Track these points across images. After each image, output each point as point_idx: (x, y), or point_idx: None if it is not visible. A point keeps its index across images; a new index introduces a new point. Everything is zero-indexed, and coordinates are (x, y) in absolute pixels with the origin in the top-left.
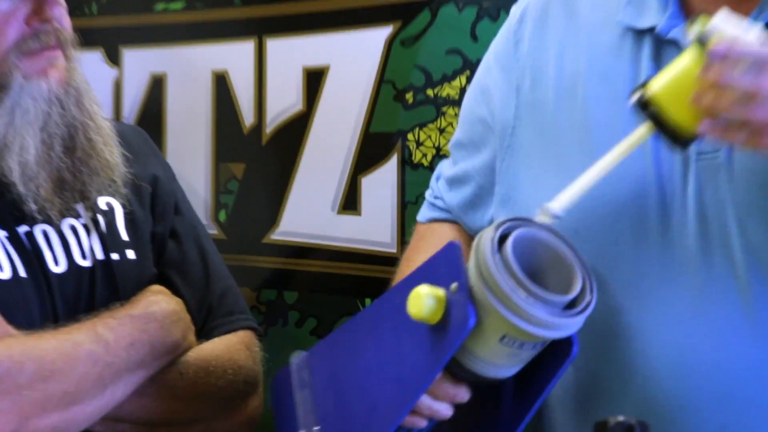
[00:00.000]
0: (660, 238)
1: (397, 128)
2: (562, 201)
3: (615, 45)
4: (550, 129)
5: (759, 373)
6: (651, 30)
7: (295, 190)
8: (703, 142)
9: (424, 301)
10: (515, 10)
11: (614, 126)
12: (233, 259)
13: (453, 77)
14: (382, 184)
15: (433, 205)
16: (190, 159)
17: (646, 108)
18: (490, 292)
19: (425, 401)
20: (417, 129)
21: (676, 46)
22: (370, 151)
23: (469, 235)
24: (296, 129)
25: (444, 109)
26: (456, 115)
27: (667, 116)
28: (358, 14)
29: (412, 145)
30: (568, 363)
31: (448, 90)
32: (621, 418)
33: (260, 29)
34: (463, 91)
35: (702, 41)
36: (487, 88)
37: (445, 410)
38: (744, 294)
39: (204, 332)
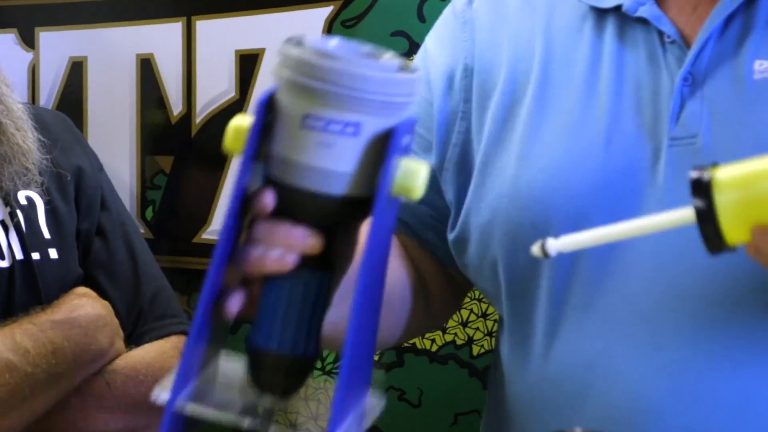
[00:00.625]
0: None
1: None
2: (563, 243)
3: (575, 25)
4: (504, 114)
5: (725, 374)
6: (615, 9)
7: (228, 184)
8: (678, 127)
9: (227, 131)
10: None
11: (572, 110)
12: (161, 260)
13: None
14: None
15: None
16: (114, 151)
17: (702, 193)
18: (280, 67)
19: (256, 252)
20: None
21: (645, 24)
22: None
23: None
24: (229, 118)
25: None
26: None
27: (720, 218)
28: None
29: None
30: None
31: None
32: (578, 430)
33: (189, 9)
34: None
35: None
36: (428, 75)
37: (278, 257)
38: (714, 291)
39: (134, 338)
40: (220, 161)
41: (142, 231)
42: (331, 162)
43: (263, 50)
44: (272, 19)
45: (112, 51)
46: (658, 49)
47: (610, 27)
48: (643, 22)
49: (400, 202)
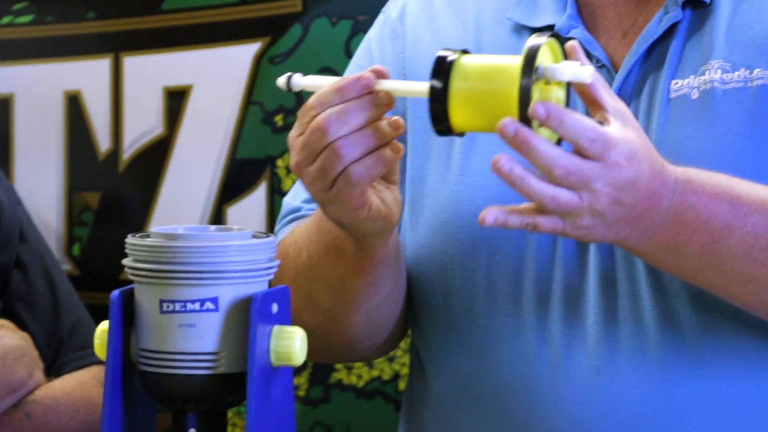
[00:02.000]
0: (564, 255)
1: (266, 154)
2: (307, 80)
3: (510, 42)
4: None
5: (667, 394)
6: (547, 28)
7: (156, 221)
8: None
9: (96, 337)
10: (393, 6)
11: None
12: (88, 296)
13: None
14: (249, 214)
15: (291, 222)
16: (41, 187)
17: (442, 73)
18: (130, 261)
19: None
20: (287, 154)
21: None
22: (237, 178)
23: None
24: (156, 154)
25: None
26: None
27: (451, 100)
28: (223, 29)
29: (281, 173)
30: None
31: None
32: None
33: (116, 46)
34: None
35: (535, 72)
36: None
37: None
38: (648, 312)
39: (54, 368)
40: (148, 197)
41: (68, 267)
42: (197, 342)
43: (191, 86)
44: (200, 56)
45: (39, 87)
46: None
47: None
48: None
49: (292, 369)
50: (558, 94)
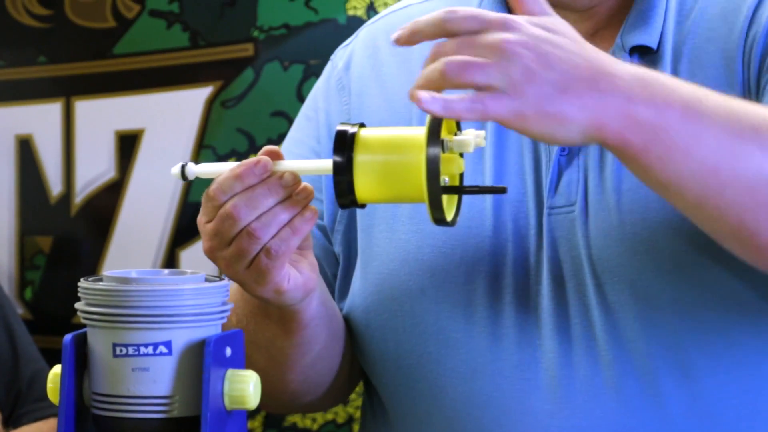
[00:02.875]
0: (515, 299)
1: None
2: (201, 168)
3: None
4: None
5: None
6: None
7: (109, 265)
8: (557, 196)
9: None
10: (340, 55)
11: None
12: (41, 340)
13: (278, 141)
14: (202, 258)
15: None
16: None
17: (344, 147)
18: (82, 304)
19: None
20: None
21: None
22: (190, 222)
23: None
24: (109, 198)
25: None
26: None
27: (356, 174)
28: (175, 73)
29: None
30: None
31: None
32: None
33: (68, 89)
34: None
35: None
36: (307, 140)
37: None
38: (604, 357)
39: (12, 420)
40: (100, 240)
41: (20, 311)
42: (151, 386)
43: (143, 130)
44: (152, 100)
45: None
46: None
47: None
48: None
49: (246, 412)
50: (458, 162)
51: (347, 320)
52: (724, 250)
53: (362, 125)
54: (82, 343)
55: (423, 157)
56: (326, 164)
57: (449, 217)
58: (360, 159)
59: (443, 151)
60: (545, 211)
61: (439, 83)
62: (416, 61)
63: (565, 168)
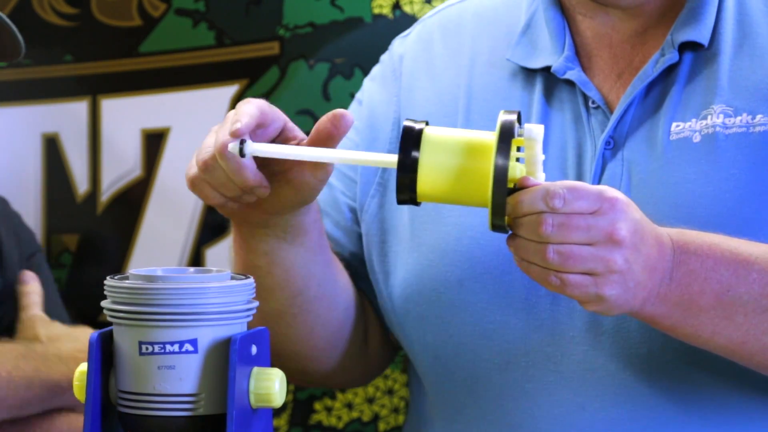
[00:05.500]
0: (550, 292)
1: None
2: (261, 147)
3: (504, 84)
4: None
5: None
6: (543, 69)
7: (134, 264)
8: None
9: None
10: (398, 45)
11: None
12: None
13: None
14: (228, 256)
15: None
16: None
17: (410, 144)
18: (109, 302)
19: None
20: None
21: (571, 86)
22: (215, 220)
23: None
24: (135, 196)
25: None
26: None
27: (420, 173)
28: (201, 72)
29: None
30: None
31: None
32: None
33: (94, 88)
34: None
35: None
36: (357, 123)
37: None
38: (636, 352)
39: None
40: (126, 239)
41: None
42: (177, 384)
43: (169, 128)
44: (178, 98)
45: (17, 130)
46: (582, 113)
47: (538, 87)
48: (569, 83)
49: (271, 410)
50: (521, 167)
51: (386, 309)
52: None
53: (427, 123)
54: (108, 341)
55: (491, 164)
56: (391, 159)
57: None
58: (426, 159)
59: (514, 137)
60: None
61: (539, 273)
62: (465, 53)
63: (609, 161)
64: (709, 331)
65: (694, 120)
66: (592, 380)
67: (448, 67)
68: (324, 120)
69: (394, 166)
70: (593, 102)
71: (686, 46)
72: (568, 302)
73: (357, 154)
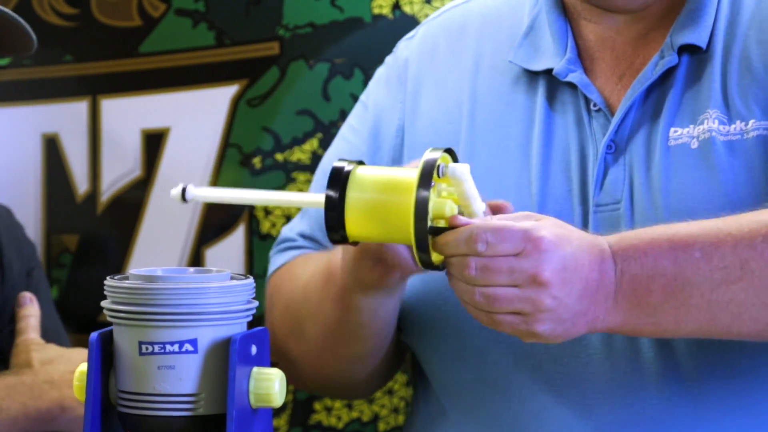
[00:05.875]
0: None
1: None
2: (201, 192)
3: (507, 87)
4: None
5: None
6: (545, 72)
7: (134, 264)
8: (602, 194)
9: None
10: (402, 48)
11: (505, 172)
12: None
13: (303, 140)
14: (228, 256)
15: (284, 251)
16: None
17: (338, 183)
18: (109, 302)
19: None
20: None
21: (573, 89)
22: (215, 220)
23: None
24: (134, 197)
25: (294, 174)
26: (308, 181)
27: (347, 210)
28: (200, 72)
29: (260, 215)
30: None
31: (299, 154)
32: None
33: (94, 88)
34: (314, 155)
35: (434, 174)
36: (360, 129)
37: None
38: (645, 354)
39: None
40: (126, 239)
41: None
42: (176, 384)
43: (169, 129)
44: (178, 98)
45: (16, 130)
46: (584, 116)
47: (541, 89)
48: (571, 86)
49: (271, 410)
50: (451, 204)
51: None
52: None
53: (361, 162)
54: (108, 341)
55: (412, 198)
56: (318, 198)
57: (437, 261)
58: (351, 196)
59: (438, 176)
60: (591, 209)
61: (473, 311)
62: (469, 57)
63: (611, 165)
64: (672, 322)
65: (691, 126)
66: (599, 382)
67: (452, 71)
68: None
69: (322, 206)
70: (595, 105)
71: (685, 49)
72: None
73: (286, 195)
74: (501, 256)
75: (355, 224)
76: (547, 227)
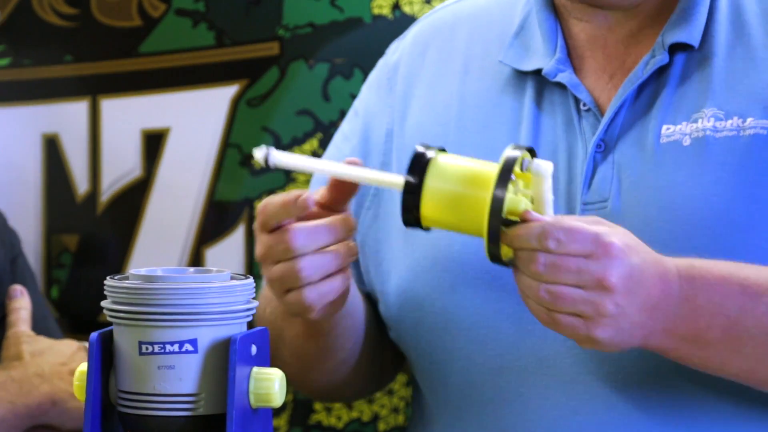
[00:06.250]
0: None
1: (244, 196)
2: (284, 158)
3: (495, 88)
4: None
5: None
6: (534, 72)
7: (134, 263)
8: (590, 192)
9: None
10: (393, 50)
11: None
12: (68, 338)
13: (303, 140)
14: (228, 256)
15: None
16: (19, 230)
17: (418, 168)
18: (109, 303)
19: None
20: (265, 196)
21: (562, 89)
22: (215, 220)
23: None
24: (135, 197)
25: (294, 175)
26: (307, 181)
27: (424, 196)
28: (200, 72)
29: None
30: None
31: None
32: None
33: (94, 88)
34: (314, 155)
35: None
36: (350, 137)
37: None
38: (629, 355)
39: None
40: (126, 239)
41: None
42: (176, 384)
43: (169, 129)
44: (178, 98)
45: (17, 130)
46: (574, 116)
47: (529, 90)
48: (560, 86)
49: (271, 410)
50: (526, 202)
51: (383, 315)
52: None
53: (443, 150)
54: (108, 341)
55: (489, 194)
56: (397, 180)
57: (506, 256)
58: (430, 184)
59: (521, 170)
60: (578, 207)
61: (534, 308)
62: (458, 59)
63: (600, 164)
64: (717, 362)
65: (684, 123)
66: (585, 384)
67: (441, 72)
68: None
69: (401, 188)
70: (584, 104)
71: (677, 48)
72: None
73: (367, 172)
74: (570, 256)
75: (430, 211)
76: (618, 235)
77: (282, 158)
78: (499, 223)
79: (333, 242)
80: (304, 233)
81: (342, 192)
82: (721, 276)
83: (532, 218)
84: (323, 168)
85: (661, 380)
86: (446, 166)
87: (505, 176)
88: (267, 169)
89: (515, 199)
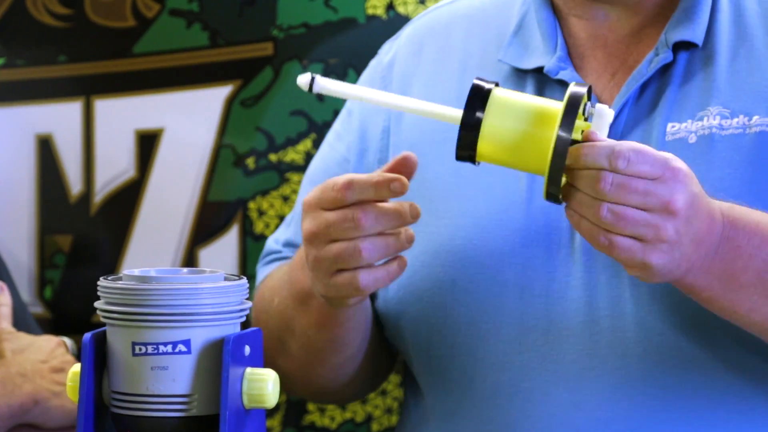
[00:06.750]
0: (545, 291)
1: (238, 196)
2: (329, 84)
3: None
4: (419, 172)
5: (647, 430)
6: (535, 70)
7: (128, 264)
8: None
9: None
10: (386, 50)
11: (492, 170)
12: None
13: (297, 141)
14: (221, 256)
15: (270, 263)
16: (12, 231)
17: (477, 102)
18: (102, 303)
19: None
20: (259, 197)
21: (563, 87)
22: (209, 221)
23: None
24: (128, 197)
25: (288, 175)
26: (301, 181)
27: (482, 134)
28: (194, 72)
29: (253, 215)
30: None
31: (293, 155)
32: None
33: (88, 89)
34: (308, 155)
35: (579, 113)
36: (345, 135)
37: None
38: (632, 351)
39: None
40: (120, 239)
41: (40, 310)
42: (170, 385)
43: (162, 129)
44: (171, 99)
45: (10, 130)
46: None
47: (529, 88)
48: (561, 84)
49: (264, 411)
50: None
51: (381, 310)
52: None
53: (497, 84)
54: (101, 341)
55: (554, 133)
56: (455, 114)
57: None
58: (490, 120)
59: (583, 115)
60: None
61: (589, 229)
62: (455, 56)
63: None
64: (746, 307)
65: (690, 121)
66: (587, 379)
67: (438, 71)
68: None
69: (458, 122)
70: None
71: (680, 46)
72: (563, 301)
73: (423, 104)
74: (639, 177)
75: (487, 148)
76: (683, 162)
77: (328, 84)
78: (563, 163)
79: (396, 227)
80: (374, 214)
81: (402, 174)
82: (760, 221)
83: (597, 138)
84: (373, 97)
85: (663, 376)
86: (506, 100)
87: (570, 115)
88: (260, 169)
89: (578, 125)
